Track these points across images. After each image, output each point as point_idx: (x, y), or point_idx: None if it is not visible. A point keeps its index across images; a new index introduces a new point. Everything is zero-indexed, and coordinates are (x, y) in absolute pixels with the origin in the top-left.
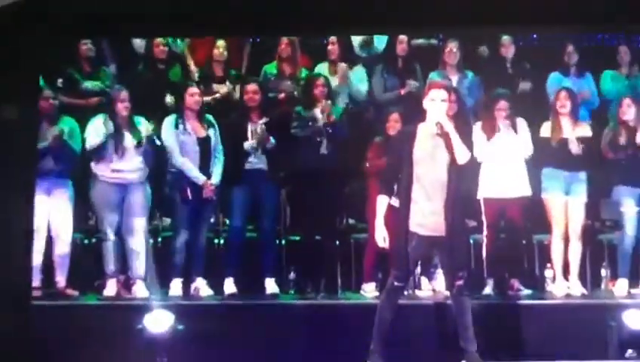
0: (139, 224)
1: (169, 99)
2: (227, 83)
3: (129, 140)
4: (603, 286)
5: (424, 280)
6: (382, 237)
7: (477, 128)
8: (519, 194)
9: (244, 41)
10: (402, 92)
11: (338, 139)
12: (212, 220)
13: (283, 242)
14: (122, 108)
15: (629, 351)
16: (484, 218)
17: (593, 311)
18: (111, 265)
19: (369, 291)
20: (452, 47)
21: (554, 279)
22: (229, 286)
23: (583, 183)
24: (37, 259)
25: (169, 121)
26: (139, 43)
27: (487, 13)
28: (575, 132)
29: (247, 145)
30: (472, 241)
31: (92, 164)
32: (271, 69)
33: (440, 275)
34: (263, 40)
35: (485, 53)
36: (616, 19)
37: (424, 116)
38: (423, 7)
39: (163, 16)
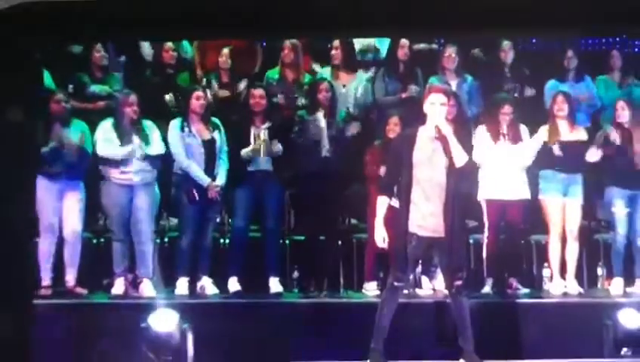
0: (146, 224)
1: (169, 97)
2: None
3: (137, 144)
4: (599, 285)
5: (425, 279)
6: (381, 237)
7: (481, 131)
8: (519, 197)
9: (256, 44)
10: (403, 96)
11: (340, 143)
12: (217, 220)
13: (287, 242)
14: (131, 112)
15: (624, 349)
16: (485, 219)
17: (589, 309)
18: (119, 265)
19: (370, 290)
20: (451, 52)
21: (551, 278)
22: (233, 284)
23: (579, 185)
24: (47, 258)
25: (174, 124)
26: (148, 48)
27: (486, 18)
28: (572, 135)
29: (244, 152)
30: (471, 241)
31: (101, 166)
32: (273, 74)
33: (440, 274)
34: (267, 45)
35: (484, 58)
36: (614, 24)
37: (424, 120)
38: (425, 11)
39: (169, 19)
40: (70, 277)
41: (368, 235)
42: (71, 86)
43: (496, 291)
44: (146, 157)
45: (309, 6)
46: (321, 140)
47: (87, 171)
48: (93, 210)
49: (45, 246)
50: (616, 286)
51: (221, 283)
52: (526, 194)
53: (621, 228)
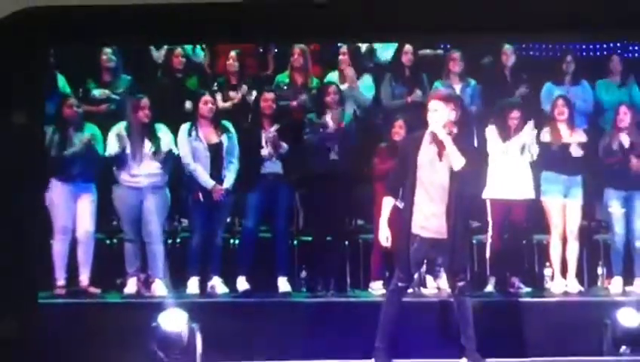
0: (156, 226)
1: (188, 105)
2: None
3: (148, 147)
4: (599, 284)
5: (429, 278)
6: (385, 236)
7: (490, 133)
8: (524, 197)
9: (264, 50)
10: (409, 100)
11: (347, 145)
12: (228, 221)
13: (295, 242)
14: (143, 115)
15: (623, 347)
16: (489, 218)
17: (589, 308)
18: (131, 265)
19: (377, 289)
20: (456, 56)
21: (552, 277)
22: (242, 283)
23: (580, 187)
24: (62, 259)
25: (184, 128)
26: (157, 53)
27: (489, 23)
28: (572, 138)
29: (265, 152)
30: (474, 242)
31: (114, 169)
32: (283, 78)
33: (444, 274)
34: (278, 50)
35: (487, 62)
36: (613, 28)
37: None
38: (428, 16)
39: (176, 24)
40: (84, 277)
41: (374, 235)
42: (80, 90)
43: (498, 290)
44: (157, 155)
45: (318, 12)
46: (328, 143)
47: (99, 174)
48: (105, 211)
49: (59, 247)
50: (615, 285)
51: (231, 282)
52: (530, 194)
53: (619, 229)
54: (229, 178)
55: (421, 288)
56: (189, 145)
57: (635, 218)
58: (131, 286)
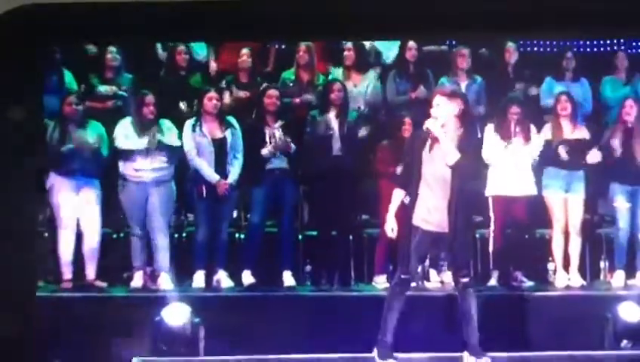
0: (162, 220)
1: (182, 105)
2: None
3: (154, 143)
4: (602, 277)
5: (433, 272)
6: (391, 228)
7: (491, 129)
8: (526, 193)
9: (269, 47)
10: (413, 96)
11: (351, 141)
12: (234, 215)
13: (300, 237)
14: (148, 112)
15: (624, 341)
16: (492, 214)
17: (592, 302)
18: (137, 259)
19: (380, 283)
20: (464, 52)
21: (555, 271)
22: (247, 277)
23: (582, 181)
24: (67, 253)
25: (188, 124)
26: (161, 49)
27: (492, 20)
28: (574, 134)
29: (266, 151)
30: (477, 236)
31: (119, 164)
32: (289, 75)
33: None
34: (283, 47)
35: (490, 59)
36: (616, 25)
37: None
38: (433, 13)
39: (181, 21)
40: (90, 271)
41: (379, 230)
42: (83, 86)
43: (501, 284)
44: (163, 148)
45: (322, 10)
46: (332, 139)
47: (104, 169)
48: (112, 206)
49: (65, 242)
50: (618, 278)
51: (236, 276)
52: (532, 191)
53: (623, 223)
54: (234, 173)
55: (424, 282)
56: (194, 140)
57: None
58: (137, 280)
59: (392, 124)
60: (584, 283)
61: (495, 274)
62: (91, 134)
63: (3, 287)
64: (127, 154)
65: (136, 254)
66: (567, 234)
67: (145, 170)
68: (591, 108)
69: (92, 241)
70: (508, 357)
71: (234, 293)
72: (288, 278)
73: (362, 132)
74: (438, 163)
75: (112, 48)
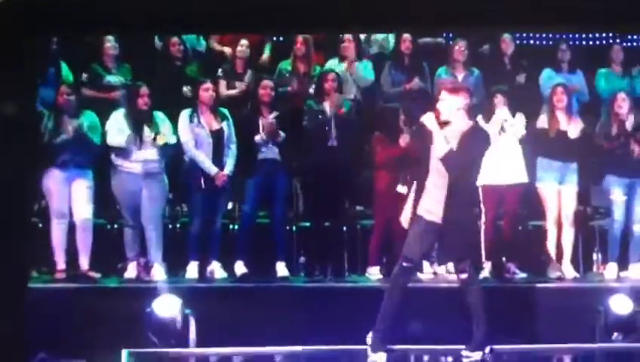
0: (155, 211)
1: (186, 89)
2: (245, 79)
3: (148, 134)
4: (594, 269)
5: (425, 263)
6: (405, 219)
7: (480, 120)
8: (516, 181)
9: (265, 39)
10: (407, 87)
11: (346, 132)
12: (229, 207)
13: (294, 228)
14: (142, 103)
15: (615, 333)
16: (482, 204)
17: (584, 293)
18: (131, 250)
19: (374, 274)
20: (462, 45)
21: (548, 263)
22: (240, 267)
23: (575, 173)
24: (61, 243)
25: (184, 114)
26: (158, 40)
27: (489, 13)
28: (569, 126)
29: (258, 138)
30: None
31: (112, 156)
32: (286, 65)
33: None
34: (280, 38)
35: (487, 51)
36: (612, 19)
37: None
38: (430, 5)
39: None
40: (83, 262)
41: (375, 221)
42: (85, 75)
43: (494, 275)
44: (156, 140)
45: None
46: (327, 129)
47: (97, 159)
48: (105, 197)
49: (57, 233)
50: (610, 271)
51: (230, 267)
52: (523, 178)
53: (618, 215)
54: (229, 164)
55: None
56: (191, 131)
57: (635, 204)
58: (131, 270)
59: (386, 115)
60: (577, 275)
61: (488, 266)
62: (85, 124)
63: None
64: (122, 147)
65: (130, 245)
66: (560, 226)
67: (139, 161)
68: (588, 98)
69: (85, 232)
70: (500, 349)
71: (227, 284)
72: (282, 269)
73: (357, 122)
74: (435, 156)
75: (110, 38)
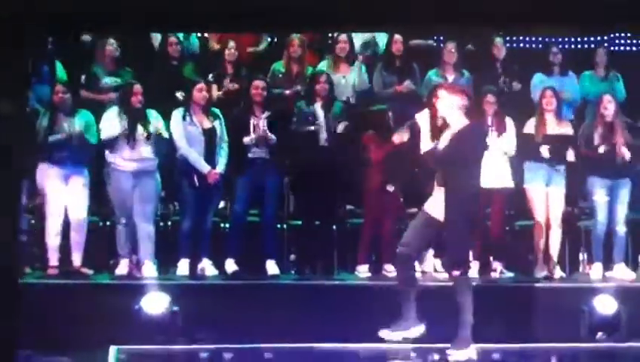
0: (149, 209)
1: (179, 94)
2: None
3: (141, 132)
4: (580, 269)
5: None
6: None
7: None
8: (503, 185)
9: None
10: (398, 89)
11: (336, 132)
12: (221, 205)
13: (284, 226)
14: (136, 101)
15: (599, 333)
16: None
17: (570, 293)
18: (123, 247)
19: (363, 272)
20: (451, 47)
21: (536, 263)
22: (230, 265)
23: (562, 175)
24: (54, 240)
25: (177, 113)
26: (156, 40)
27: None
28: (558, 129)
29: (247, 140)
30: None
31: (107, 154)
32: (279, 67)
33: (429, 257)
34: (275, 38)
35: (478, 53)
36: (599, 23)
37: None
38: (421, 6)
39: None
40: (76, 258)
41: (364, 220)
42: (84, 77)
43: (481, 274)
44: (150, 138)
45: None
46: (318, 129)
47: (92, 157)
48: (99, 194)
49: (52, 229)
50: (595, 270)
51: (221, 265)
52: (509, 183)
53: (601, 216)
54: (221, 163)
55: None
56: (184, 129)
57: (618, 206)
58: (123, 267)
59: (376, 115)
60: (563, 275)
61: (475, 266)
62: (80, 123)
63: None
64: (114, 144)
65: (122, 242)
66: (547, 227)
67: (132, 159)
68: (579, 100)
69: (79, 229)
70: (484, 349)
71: (218, 282)
72: (272, 267)
73: (346, 123)
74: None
75: (111, 41)
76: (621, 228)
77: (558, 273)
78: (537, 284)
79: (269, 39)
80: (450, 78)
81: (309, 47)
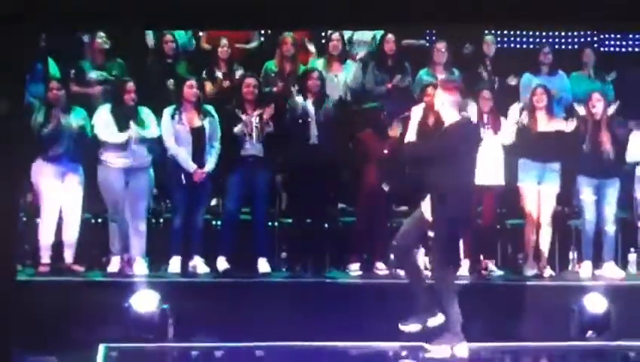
0: (140, 207)
1: (169, 83)
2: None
3: (133, 129)
4: (570, 268)
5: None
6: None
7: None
8: (494, 183)
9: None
10: (390, 86)
11: (328, 130)
12: (213, 203)
13: (276, 224)
14: (129, 98)
15: (589, 332)
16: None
17: (560, 292)
18: (115, 244)
19: (354, 270)
20: (441, 47)
21: (526, 261)
22: (222, 263)
23: (556, 173)
24: (47, 237)
25: (167, 111)
26: (151, 37)
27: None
28: (550, 126)
29: (237, 129)
30: None
31: (99, 151)
32: (271, 65)
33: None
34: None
35: (469, 51)
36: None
37: None
38: (413, 5)
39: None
40: (68, 255)
41: (357, 218)
42: (72, 71)
43: (471, 272)
44: (142, 141)
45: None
46: (309, 127)
47: (86, 154)
48: (90, 191)
49: (46, 227)
50: (585, 269)
51: (212, 262)
52: (500, 181)
53: (589, 215)
54: (211, 161)
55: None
56: (173, 128)
57: (606, 205)
58: (114, 265)
59: (369, 114)
60: (553, 273)
61: (465, 263)
62: (75, 120)
63: None
64: (108, 142)
65: (114, 240)
66: (538, 225)
67: (125, 157)
68: (570, 98)
69: (72, 227)
70: (474, 347)
71: (209, 279)
72: (263, 265)
73: (338, 120)
74: None
75: (101, 34)
76: (610, 227)
77: (547, 272)
78: (527, 283)
79: (262, 38)
80: (441, 77)
81: (301, 45)
